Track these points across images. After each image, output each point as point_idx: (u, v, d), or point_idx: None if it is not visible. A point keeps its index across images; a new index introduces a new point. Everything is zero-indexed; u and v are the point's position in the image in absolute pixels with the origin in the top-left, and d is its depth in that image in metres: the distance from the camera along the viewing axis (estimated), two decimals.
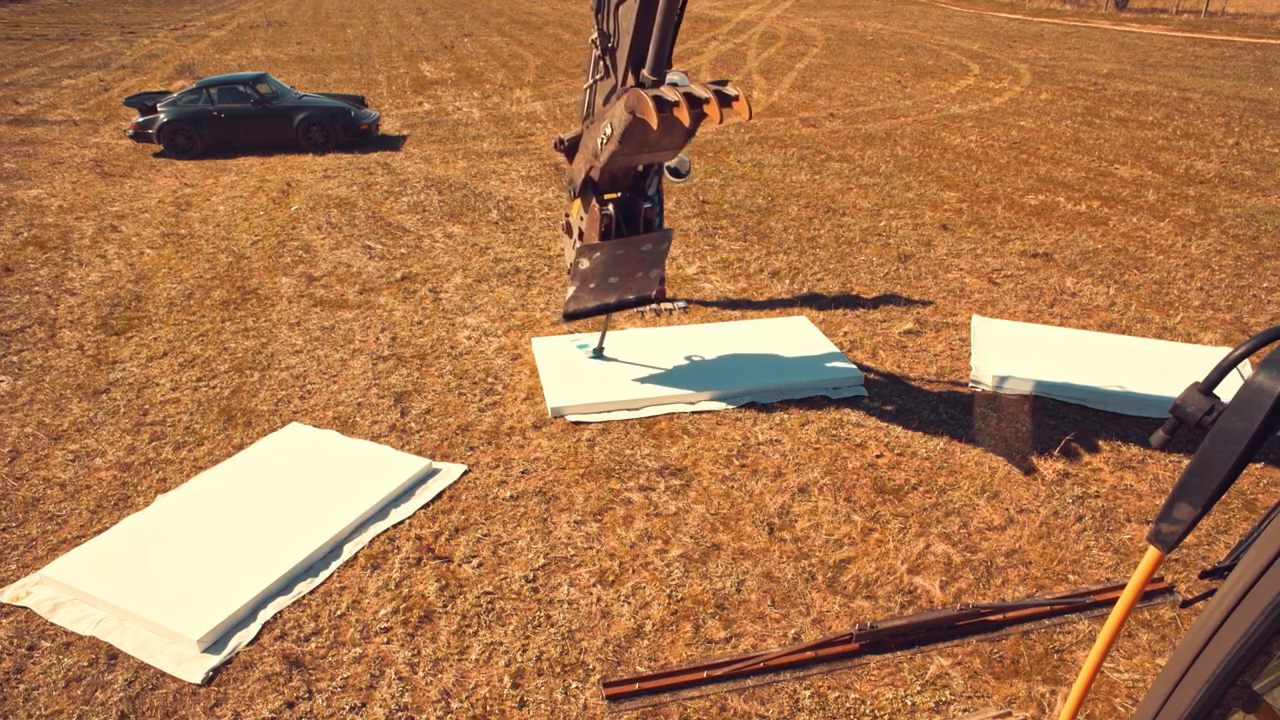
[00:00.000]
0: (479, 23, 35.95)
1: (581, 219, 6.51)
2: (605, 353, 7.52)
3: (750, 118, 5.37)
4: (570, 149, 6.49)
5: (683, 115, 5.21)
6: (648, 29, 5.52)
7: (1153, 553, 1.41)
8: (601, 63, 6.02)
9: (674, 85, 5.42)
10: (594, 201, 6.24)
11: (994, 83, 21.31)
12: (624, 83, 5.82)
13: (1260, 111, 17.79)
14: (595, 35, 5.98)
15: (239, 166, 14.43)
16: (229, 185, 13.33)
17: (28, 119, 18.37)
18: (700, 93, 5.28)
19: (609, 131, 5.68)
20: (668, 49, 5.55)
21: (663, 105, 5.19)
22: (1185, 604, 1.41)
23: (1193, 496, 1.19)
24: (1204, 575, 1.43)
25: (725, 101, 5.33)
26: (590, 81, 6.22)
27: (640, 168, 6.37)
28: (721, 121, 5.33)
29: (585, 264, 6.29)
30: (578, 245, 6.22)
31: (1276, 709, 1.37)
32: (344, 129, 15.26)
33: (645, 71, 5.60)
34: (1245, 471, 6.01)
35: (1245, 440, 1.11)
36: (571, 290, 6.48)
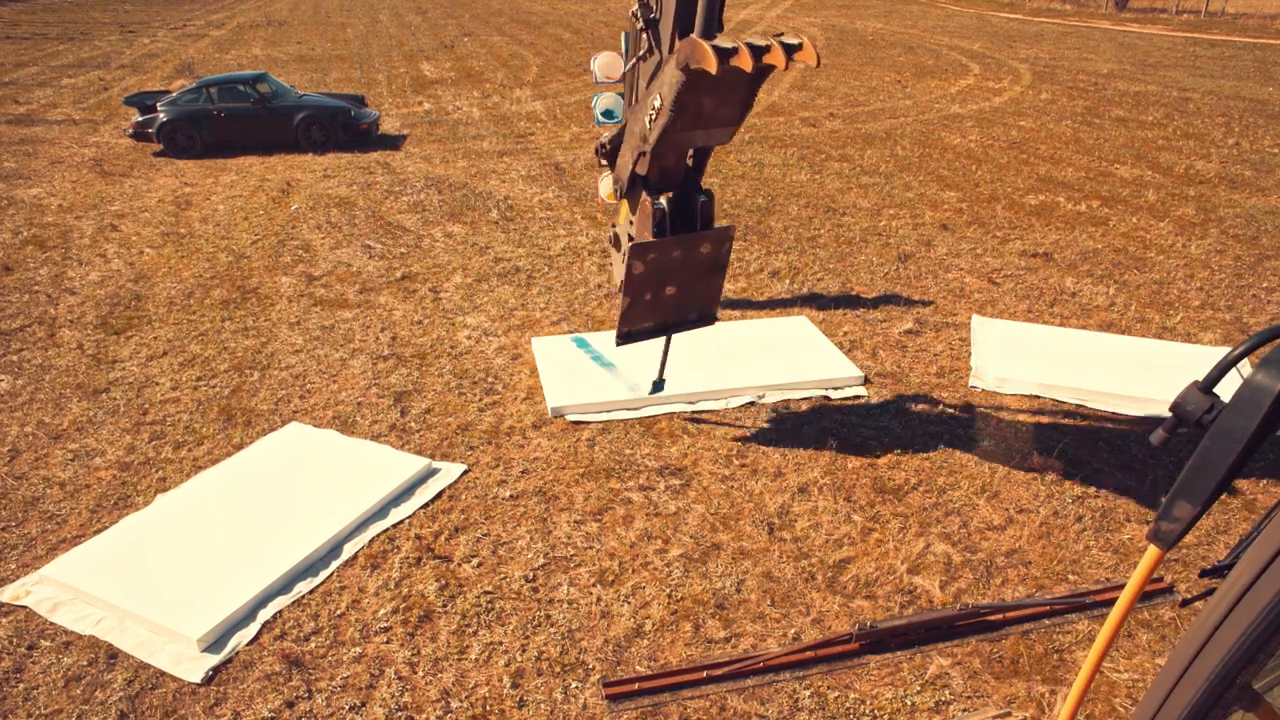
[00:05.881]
0: (479, 22, 35.95)
1: (631, 222, 5.94)
2: (606, 355, 7.51)
3: (819, 64, 4.99)
4: (613, 150, 5.99)
5: (744, 61, 4.60)
6: None
7: (1152, 552, 1.42)
8: (644, 37, 5.41)
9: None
10: (644, 195, 5.67)
11: (994, 83, 21.31)
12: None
13: (1260, 111, 17.79)
14: (635, 7, 5.41)
15: (239, 166, 14.43)
16: (229, 185, 13.33)
17: (27, 118, 18.36)
18: (760, 41, 4.70)
19: (658, 104, 5.13)
20: (718, 11, 4.93)
21: (722, 54, 4.59)
22: (1185, 603, 1.42)
23: (1192, 495, 1.19)
24: (1204, 574, 1.45)
25: (789, 50, 4.74)
26: (631, 62, 5.66)
27: (692, 155, 5.84)
28: (787, 69, 4.79)
29: (639, 267, 5.57)
30: (629, 247, 5.60)
31: (1276, 707, 1.36)
32: (344, 128, 15.25)
33: (694, 36, 4.99)
34: (1245, 471, 6.00)
35: (1244, 439, 1.12)
36: (625, 304, 5.74)
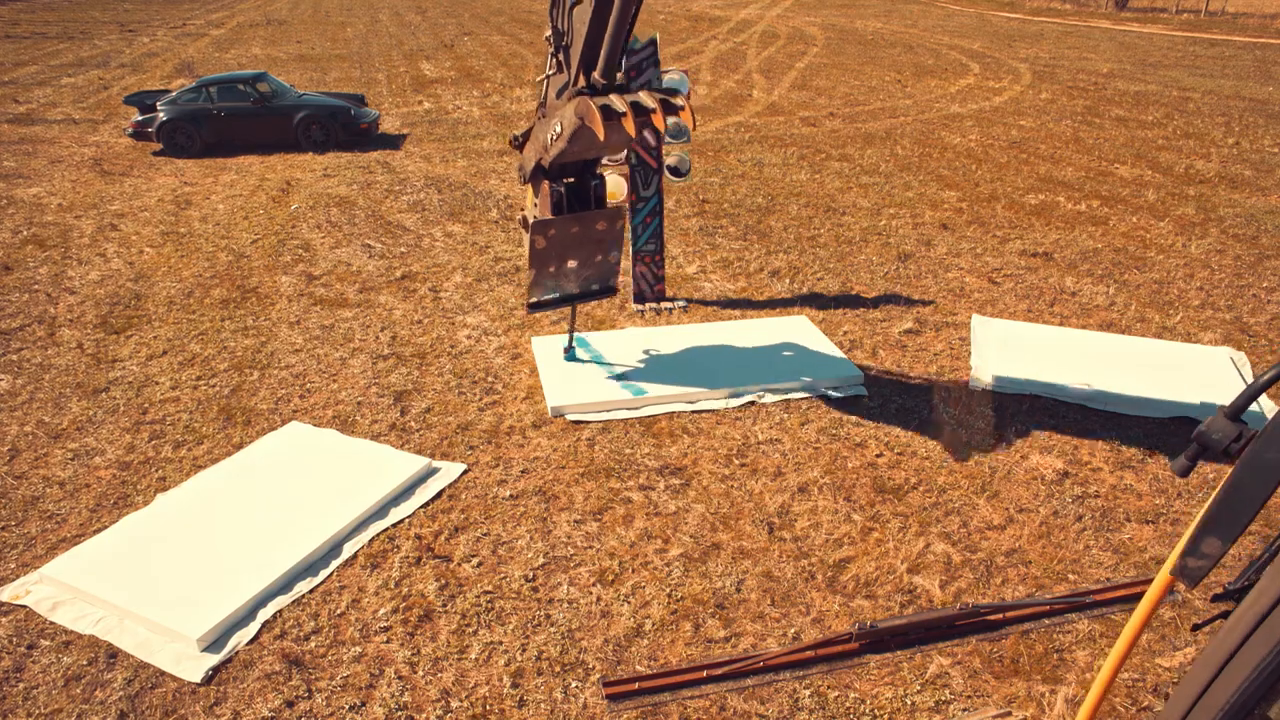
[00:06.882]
0: (479, 21, 35.93)
1: (535, 205, 6.64)
2: (606, 355, 7.51)
3: (694, 129, 5.54)
4: (523, 141, 6.66)
5: (629, 126, 5.35)
6: (600, 32, 5.59)
7: (1164, 579, 1.33)
8: (555, 59, 6.14)
9: (622, 92, 5.54)
10: (545, 181, 6.39)
11: (994, 82, 21.31)
12: (575, 81, 5.93)
13: (1260, 111, 17.79)
14: (550, 32, 6.11)
15: (238, 165, 14.42)
16: (228, 184, 13.32)
17: (27, 117, 18.35)
18: (647, 102, 5.42)
19: (558, 130, 5.81)
20: (619, 53, 5.68)
21: (609, 114, 5.34)
22: (1196, 627, 1.35)
23: (1224, 530, 1.10)
24: (1216, 599, 1.35)
25: (671, 111, 5.53)
26: (545, 75, 6.36)
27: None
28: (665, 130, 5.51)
29: (541, 242, 6.34)
30: (532, 223, 6.33)
31: None
32: (344, 128, 15.25)
33: (596, 74, 5.68)
34: None
35: None
36: (531, 276, 6.50)
